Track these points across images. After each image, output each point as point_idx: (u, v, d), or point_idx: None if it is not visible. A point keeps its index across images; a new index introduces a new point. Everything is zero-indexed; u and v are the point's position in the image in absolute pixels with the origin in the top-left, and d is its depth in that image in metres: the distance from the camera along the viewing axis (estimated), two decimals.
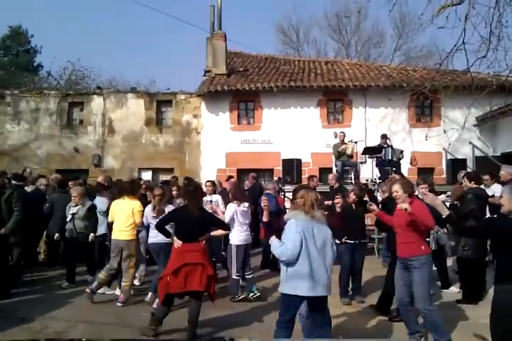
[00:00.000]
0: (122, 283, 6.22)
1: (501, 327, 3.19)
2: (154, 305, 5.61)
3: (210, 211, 6.04)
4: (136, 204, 6.27)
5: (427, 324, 4.53)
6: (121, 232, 6.17)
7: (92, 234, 7.06)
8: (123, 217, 6.18)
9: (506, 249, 3.30)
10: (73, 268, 7.22)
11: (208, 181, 7.74)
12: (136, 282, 7.02)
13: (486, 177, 8.07)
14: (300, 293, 3.90)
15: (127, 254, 6.18)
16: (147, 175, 14.09)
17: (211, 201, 7.18)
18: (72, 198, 7.15)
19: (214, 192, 7.46)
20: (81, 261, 7.32)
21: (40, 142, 14.65)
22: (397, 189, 4.67)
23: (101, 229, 7.35)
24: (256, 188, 9.98)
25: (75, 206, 7.10)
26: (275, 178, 12.05)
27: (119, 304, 6.02)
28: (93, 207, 7.20)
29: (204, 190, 6.96)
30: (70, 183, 8.77)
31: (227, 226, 5.40)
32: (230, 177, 9.86)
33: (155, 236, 5.93)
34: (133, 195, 6.42)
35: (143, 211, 6.31)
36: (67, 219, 7.14)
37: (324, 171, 12.91)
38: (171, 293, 4.83)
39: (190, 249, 4.86)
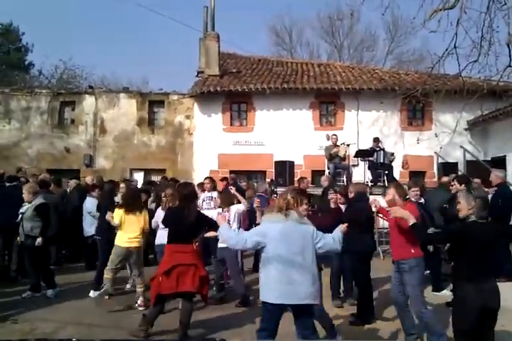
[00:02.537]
0: (137, 289, 6.10)
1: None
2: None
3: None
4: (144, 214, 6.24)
5: (422, 325, 4.53)
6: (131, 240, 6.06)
7: (39, 238, 6.21)
8: (134, 226, 6.08)
9: (465, 251, 3.65)
10: (33, 276, 6.46)
11: (206, 178, 7.83)
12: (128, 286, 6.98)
13: (477, 180, 8.15)
14: (269, 300, 3.68)
15: (134, 261, 6.14)
16: (139, 176, 14.02)
17: (212, 197, 7.24)
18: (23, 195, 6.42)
19: (214, 189, 7.49)
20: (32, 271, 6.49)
21: (31, 141, 14.52)
22: (393, 193, 4.71)
23: (91, 230, 7.28)
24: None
25: (27, 204, 6.38)
26: (267, 180, 12.05)
27: (140, 308, 5.83)
28: (42, 206, 6.37)
29: (204, 187, 7.26)
30: (70, 182, 8.94)
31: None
32: (225, 178, 9.83)
33: (162, 238, 5.82)
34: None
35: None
36: (17, 219, 6.35)
37: (317, 173, 12.92)
38: (163, 293, 4.80)
39: (182, 250, 4.85)
